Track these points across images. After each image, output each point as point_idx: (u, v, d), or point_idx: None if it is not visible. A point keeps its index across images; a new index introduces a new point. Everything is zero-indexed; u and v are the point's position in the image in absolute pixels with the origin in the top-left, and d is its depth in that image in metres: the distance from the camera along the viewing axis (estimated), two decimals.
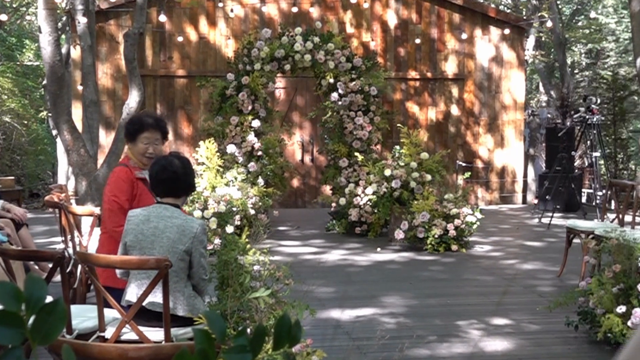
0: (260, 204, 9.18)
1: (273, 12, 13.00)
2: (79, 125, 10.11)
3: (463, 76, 13.56)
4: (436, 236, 8.57)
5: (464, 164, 13.16)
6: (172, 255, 3.53)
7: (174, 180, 3.74)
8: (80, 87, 11.46)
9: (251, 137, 9.86)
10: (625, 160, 15.32)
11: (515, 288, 6.74)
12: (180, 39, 12.70)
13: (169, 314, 3.36)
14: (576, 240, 7.11)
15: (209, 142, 9.16)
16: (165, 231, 3.61)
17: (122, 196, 4.27)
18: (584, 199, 13.29)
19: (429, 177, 9.10)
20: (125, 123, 4.47)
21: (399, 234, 8.77)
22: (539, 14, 15.80)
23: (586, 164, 13.60)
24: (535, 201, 13.09)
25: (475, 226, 8.79)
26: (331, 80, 10.21)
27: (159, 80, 12.84)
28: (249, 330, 3.46)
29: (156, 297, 3.50)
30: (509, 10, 19.81)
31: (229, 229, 8.19)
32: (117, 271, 3.74)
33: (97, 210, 5.59)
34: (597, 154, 11.22)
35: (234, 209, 8.55)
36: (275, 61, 10.07)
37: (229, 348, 1.02)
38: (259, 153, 9.89)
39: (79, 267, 5.08)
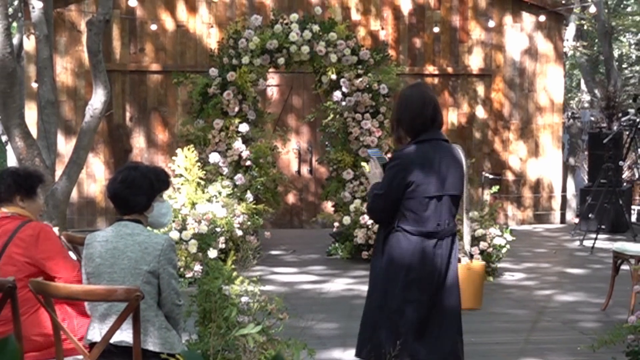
0: (248, 223, 9.20)
1: None
2: (34, 130, 10.14)
3: (490, 72, 13.62)
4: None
5: (491, 176, 13.19)
6: (135, 278, 3.57)
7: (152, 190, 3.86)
8: (35, 85, 11.50)
9: (238, 144, 9.89)
10: None
11: (553, 323, 6.75)
12: (153, 27, 12.76)
13: (140, 354, 3.38)
14: (625, 267, 7.12)
15: (188, 150, 9.19)
16: (125, 251, 3.65)
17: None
18: (633, 218, 13.31)
19: None
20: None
21: None
22: None
23: (637, 176, 13.64)
24: (576, 220, 13.10)
25: (504, 250, 8.79)
26: (333, 77, 10.24)
27: (128, 77, 12.90)
28: None
29: (123, 334, 3.51)
30: None
31: (212, 253, 8.21)
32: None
33: (54, 231, 5.62)
34: None
35: (218, 229, 8.57)
36: (267, 54, 10.11)
37: None
38: (248, 163, 9.92)
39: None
